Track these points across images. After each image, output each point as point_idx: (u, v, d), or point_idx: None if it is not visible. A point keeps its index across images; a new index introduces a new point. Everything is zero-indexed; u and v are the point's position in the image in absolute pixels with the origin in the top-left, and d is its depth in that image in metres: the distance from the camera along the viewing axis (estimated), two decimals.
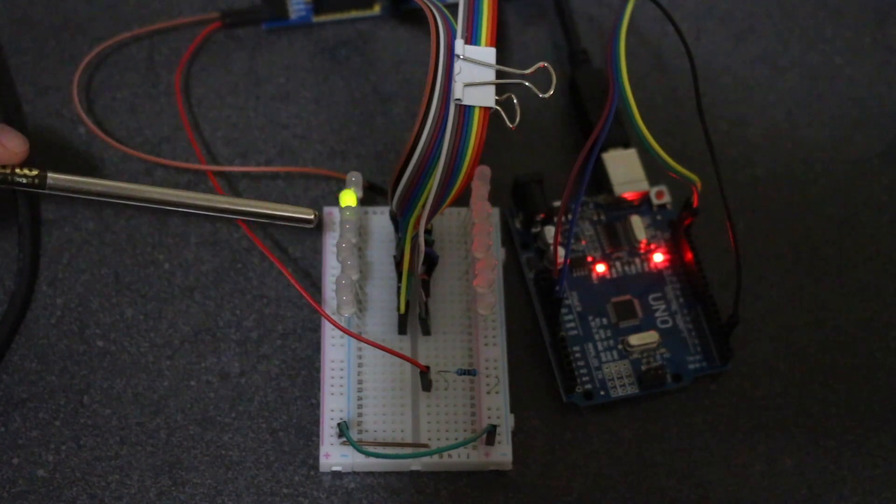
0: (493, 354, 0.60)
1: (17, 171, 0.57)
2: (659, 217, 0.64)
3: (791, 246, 0.64)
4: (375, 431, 0.58)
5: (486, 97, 0.51)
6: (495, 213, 0.62)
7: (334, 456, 0.58)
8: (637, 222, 0.63)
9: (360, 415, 0.58)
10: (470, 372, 0.59)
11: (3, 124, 0.58)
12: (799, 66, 0.69)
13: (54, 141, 0.65)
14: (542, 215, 0.62)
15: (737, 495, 0.59)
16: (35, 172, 0.57)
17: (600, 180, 0.64)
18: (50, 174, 0.58)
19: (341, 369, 0.59)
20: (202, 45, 0.68)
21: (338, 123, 0.66)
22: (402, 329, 0.60)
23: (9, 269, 0.62)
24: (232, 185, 0.65)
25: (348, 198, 0.60)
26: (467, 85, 0.51)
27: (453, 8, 0.53)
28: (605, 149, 0.64)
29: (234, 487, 0.58)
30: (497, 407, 0.59)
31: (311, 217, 0.60)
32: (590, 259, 0.63)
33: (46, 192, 0.58)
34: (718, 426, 0.60)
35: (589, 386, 0.60)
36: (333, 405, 0.58)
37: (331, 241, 0.62)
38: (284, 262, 0.62)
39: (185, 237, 0.63)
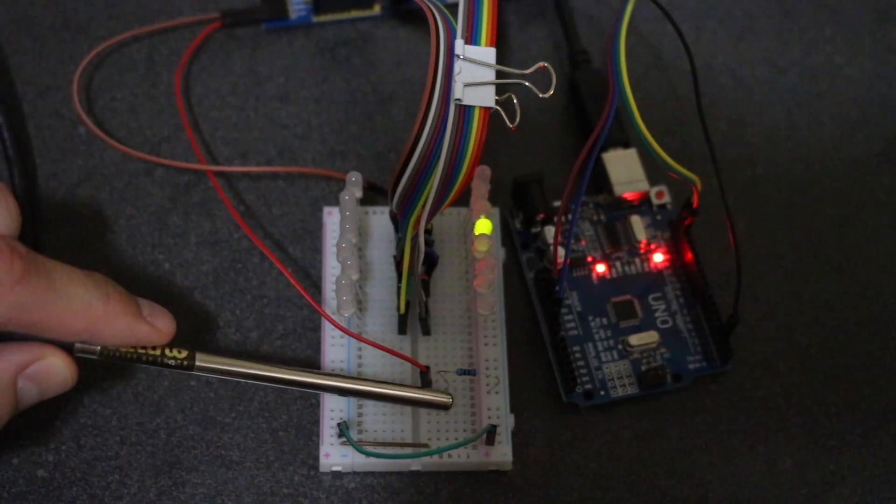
0: (493, 354, 0.60)
1: (167, 352, 0.55)
2: (659, 217, 0.64)
3: (791, 246, 0.64)
4: (375, 431, 0.58)
5: (486, 97, 0.51)
6: (495, 213, 0.62)
7: (334, 456, 0.58)
8: (637, 222, 0.63)
9: (360, 415, 0.58)
10: (470, 372, 0.59)
11: (152, 302, 0.56)
12: (799, 66, 0.69)
13: (54, 141, 0.65)
14: (542, 215, 0.62)
15: (737, 495, 0.59)
16: (184, 355, 0.55)
17: (600, 180, 0.64)
18: (198, 355, 0.56)
19: (341, 369, 0.59)
20: (202, 45, 0.68)
21: (338, 123, 0.66)
22: (402, 329, 0.60)
23: None
24: (232, 185, 0.65)
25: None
26: (467, 85, 0.51)
27: (453, 8, 0.53)
28: (605, 149, 0.64)
29: (234, 487, 0.58)
30: (497, 407, 0.59)
31: (449, 401, 0.57)
32: (590, 259, 0.63)
33: (194, 373, 0.56)
34: (718, 426, 0.60)
35: (589, 386, 0.60)
36: (333, 405, 0.58)
37: (331, 241, 0.62)
38: (284, 262, 0.62)
39: (185, 237, 0.63)
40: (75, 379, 0.54)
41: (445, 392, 0.57)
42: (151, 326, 0.55)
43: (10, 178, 0.63)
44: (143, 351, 0.55)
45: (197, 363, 0.55)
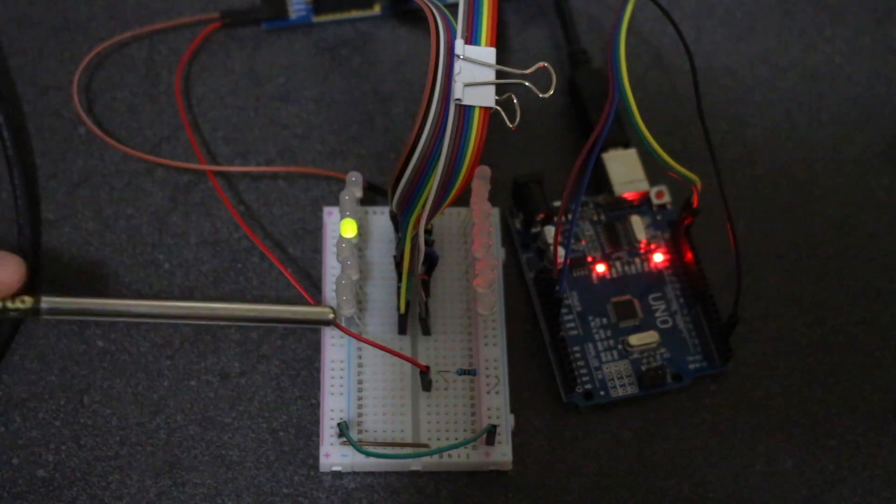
0: (493, 354, 0.60)
1: (9, 304, 0.53)
2: (659, 217, 0.64)
3: (791, 246, 0.64)
4: (375, 431, 0.58)
5: (486, 97, 0.51)
6: (495, 213, 0.62)
7: (334, 456, 0.58)
8: (637, 222, 0.63)
9: (360, 415, 0.58)
10: (470, 372, 0.59)
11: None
12: (799, 66, 0.69)
13: (54, 141, 0.65)
14: (542, 215, 0.62)
15: (737, 495, 0.59)
16: (29, 304, 0.53)
17: (600, 180, 0.64)
18: (44, 298, 0.53)
19: (341, 369, 0.59)
20: (202, 45, 0.68)
21: (338, 123, 0.66)
22: (402, 329, 0.60)
23: None
24: (232, 185, 0.65)
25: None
26: (467, 85, 0.51)
27: (453, 8, 0.53)
28: (605, 149, 0.64)
29: (234, 487, 0.58)
30: (497, 407, 0.59)
31: (330, 317, 0.56)
32: (590, 259, 0.63)
33: (43, 317, 0.54)
34: (718, 426, 0.60)
35: (589, 386, 0.60)
36: (333, 405, 0.58)
37: (331, 241, 0.62)
38: (284, 262, 0.62)
39: (185, 237, 0.63)
40: None
41: (325, 305, 0.56)
42: None
43: (10, 178, 0.63)
44: None
45: (43, 307, 0.53)
